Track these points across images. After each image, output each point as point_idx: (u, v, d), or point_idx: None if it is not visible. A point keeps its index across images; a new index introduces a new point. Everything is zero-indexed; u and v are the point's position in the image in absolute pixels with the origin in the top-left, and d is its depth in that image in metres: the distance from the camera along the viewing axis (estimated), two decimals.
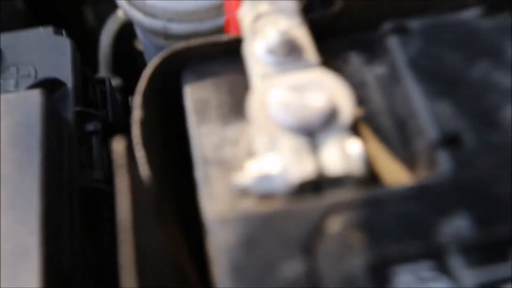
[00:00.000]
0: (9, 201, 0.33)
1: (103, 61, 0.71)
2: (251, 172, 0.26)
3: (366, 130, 0.29)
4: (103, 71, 0.72)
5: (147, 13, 0.59)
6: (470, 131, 0.26)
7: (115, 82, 0.68)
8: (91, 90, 0.49)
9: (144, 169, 0.28)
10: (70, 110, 0.43)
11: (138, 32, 0.64)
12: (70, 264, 0.35)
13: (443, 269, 0.22)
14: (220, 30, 0.44)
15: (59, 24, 0.92)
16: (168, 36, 0.59)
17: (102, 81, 0.50)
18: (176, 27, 0.58)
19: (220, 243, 0.24)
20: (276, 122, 0.27)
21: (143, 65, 0.63)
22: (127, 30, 0.68)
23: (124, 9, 0.61)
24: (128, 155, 0.25)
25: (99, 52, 0.71)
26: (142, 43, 0.67)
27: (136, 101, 0.30)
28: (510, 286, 0.22)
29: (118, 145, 0.25)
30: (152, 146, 0.30)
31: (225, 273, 0.23)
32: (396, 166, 0.27)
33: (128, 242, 0.22)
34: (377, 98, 0.30)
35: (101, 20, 0.78)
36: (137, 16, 0.60)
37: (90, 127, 0.43)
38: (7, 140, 0.36)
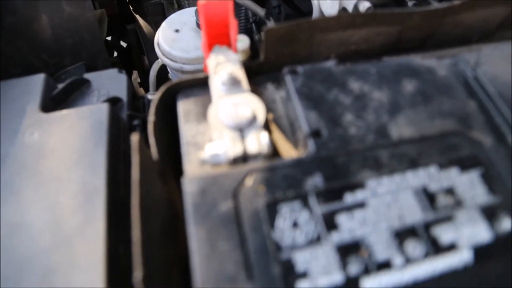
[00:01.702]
0: (86, 163, 0.32)
1: (151, 83, 0.69)
2: (208, 151, 0.25)
3: (273, 126, 0.27)
4: (151, 89, 0.69)
5: (172, 60, 0.57)
6: (326, 128, 0.25)
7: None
8: (137, 102, 0.46)
9: (153, 149, 0.26)
10: (124, 113, 0.41)
11: (169, 69, 0.61)
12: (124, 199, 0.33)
13: (305, 205, 0.21)
14: None
15: (133, 67, 0.91)
16: (183, 72, 0.57)
17: (142, 97, 0.48)
18: (187, 67, 0.56)
19: (186, 191, 0.22)
20: (222, 123, 0.26)
21: None
22: (163, 67, 0.65)
23: (160, 57, 0.58)
24: (141, 142, 0.24)
25: (149, 79, 0.68)
26: (170, 74, 0.64)
27: (151, 110, 0.28)
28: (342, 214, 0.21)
29: (134, 137, 0.23)
30: (159, 135, 0.28)
31: (188, 209, 0.22)
32: (288, 147, 0.26)
33: (136, 193, 0.21)
34: (280, 109, 0.28)
35: (151, 62, 0.75)
36: (166, 61, 0.57)
37: (135, 122, 0.40)
38: (89, 128, 0.34)
